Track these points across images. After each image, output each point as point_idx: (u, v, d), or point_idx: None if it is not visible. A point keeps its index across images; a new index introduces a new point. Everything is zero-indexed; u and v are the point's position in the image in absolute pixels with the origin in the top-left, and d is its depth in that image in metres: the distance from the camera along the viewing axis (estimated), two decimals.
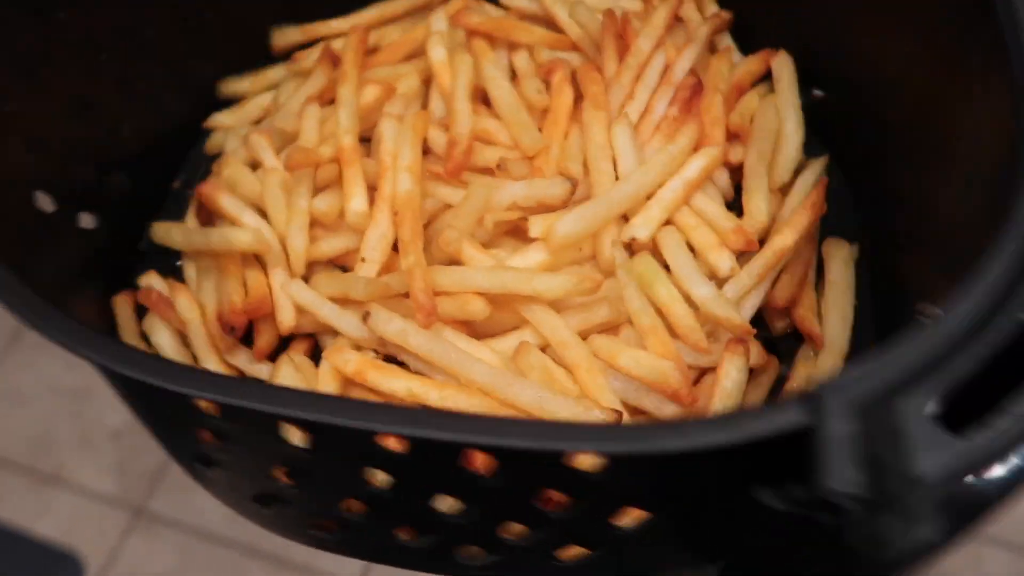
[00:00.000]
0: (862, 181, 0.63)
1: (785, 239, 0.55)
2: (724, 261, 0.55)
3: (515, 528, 0.42)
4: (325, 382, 0.51)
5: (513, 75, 0.66)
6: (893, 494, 0.30)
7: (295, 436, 0.37)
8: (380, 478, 0.40)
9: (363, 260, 0.56)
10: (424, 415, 0.34)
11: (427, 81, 0.66)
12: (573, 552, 0.44)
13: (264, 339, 0.56)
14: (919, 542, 0.29)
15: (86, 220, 0.56)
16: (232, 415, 0.37)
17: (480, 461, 0.36)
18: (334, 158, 0.60)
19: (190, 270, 0.61)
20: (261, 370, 0.56)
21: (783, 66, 0.64)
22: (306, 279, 0.57)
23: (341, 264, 0.60)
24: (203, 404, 0.36)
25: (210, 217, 0.62)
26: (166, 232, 0.59)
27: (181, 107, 0.68)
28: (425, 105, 0.66)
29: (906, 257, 0.55)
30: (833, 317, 0.56)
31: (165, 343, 0.57)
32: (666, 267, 0.54)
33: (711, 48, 0.67)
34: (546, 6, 0.67)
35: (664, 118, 0.60)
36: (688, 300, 0.52)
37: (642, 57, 0.62)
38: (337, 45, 0.68)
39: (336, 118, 0.60)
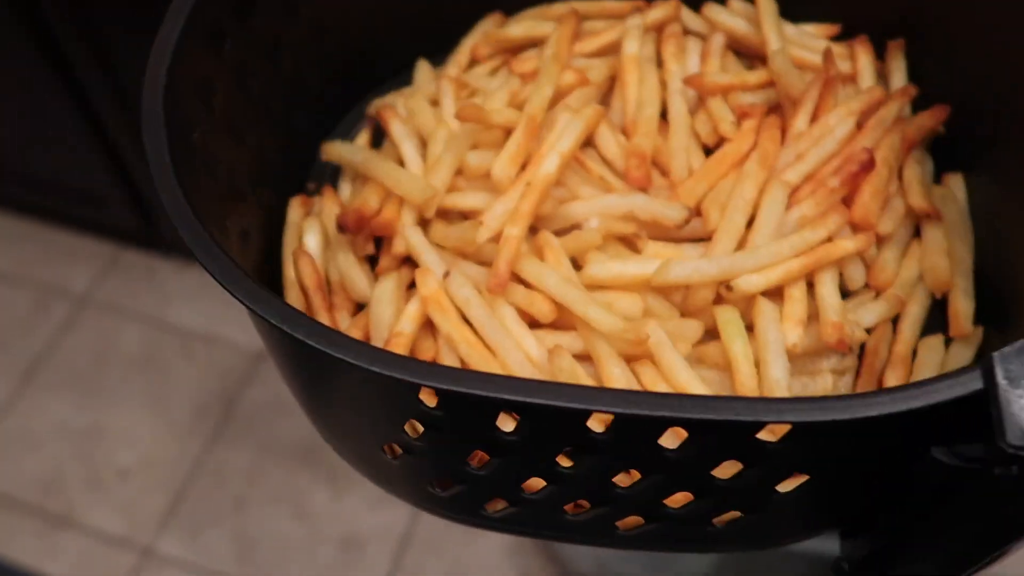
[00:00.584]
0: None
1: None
2: (790, 335, 0.55)
3: (681, 497, 0.47)
4: (409, 312, 0.57)
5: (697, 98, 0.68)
6: None
7: (507, 423, 0.41)
8: (571, 459, 0.44)
9: (481, 223, 0.59)
10: (632, 395, 0.38)
11: (612, 79, 0.69)
12: (727, 517, 0.49)
13: (385, 261, 0.62)
14: None
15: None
16: (452, 405, 0.41)
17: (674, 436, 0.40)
18: (505, 125, 0.62)
19: (344, 188, 0.69)
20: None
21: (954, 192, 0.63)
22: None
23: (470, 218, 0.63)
24: (425, 397, 0.40)
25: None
26: (336, 150, 0.66)
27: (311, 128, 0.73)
28: (604, 101, 0.69)
29: None
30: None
31: (313, 242, 0.63)
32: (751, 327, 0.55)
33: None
34: (763, 31, 0.68)
35: (824, 186, 0.60)
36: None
37: (825, 131, 0.62)
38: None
39: (535, 87, 0.64)
